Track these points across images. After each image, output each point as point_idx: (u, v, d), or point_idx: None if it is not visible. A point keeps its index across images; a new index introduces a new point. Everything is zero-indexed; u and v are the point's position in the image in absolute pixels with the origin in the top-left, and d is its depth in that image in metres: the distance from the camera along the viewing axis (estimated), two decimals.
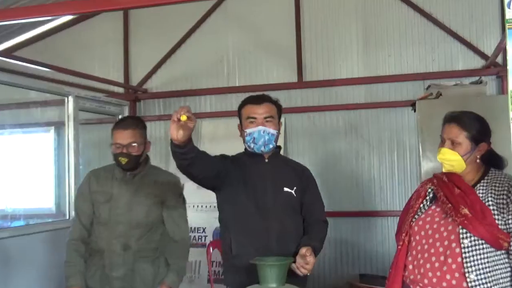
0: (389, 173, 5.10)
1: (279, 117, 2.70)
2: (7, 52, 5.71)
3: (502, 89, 4.73)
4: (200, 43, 5.72)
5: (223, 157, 2.69)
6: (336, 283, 4.92)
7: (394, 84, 5.06)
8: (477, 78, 4.33)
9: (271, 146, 2.63)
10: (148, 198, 2.95)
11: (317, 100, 5.30)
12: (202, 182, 2.61)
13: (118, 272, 2.90)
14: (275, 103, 2.69)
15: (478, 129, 2.31)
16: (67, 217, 4.14)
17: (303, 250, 2.38)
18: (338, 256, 5.14)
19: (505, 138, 1.89)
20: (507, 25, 1.90)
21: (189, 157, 2.30)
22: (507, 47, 1.91)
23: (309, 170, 2.86)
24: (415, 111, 4.06)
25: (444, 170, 2.34)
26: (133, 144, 2.85)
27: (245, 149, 2.71)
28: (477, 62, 4.95)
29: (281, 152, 2.86)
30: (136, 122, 2.97)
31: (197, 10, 5.64)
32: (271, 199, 2.60)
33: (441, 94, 3.95)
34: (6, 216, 5.85)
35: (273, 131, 2.60)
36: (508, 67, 1.89)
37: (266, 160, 2.67)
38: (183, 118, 2.11)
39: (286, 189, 2.64)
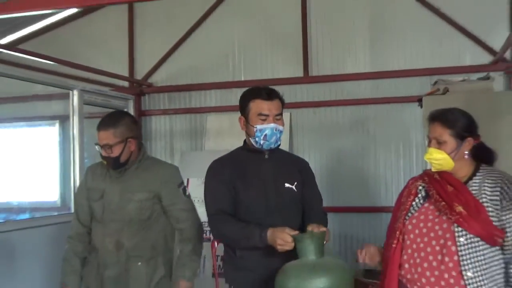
0: (394, 170, 5.08)
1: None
2: (12, 45, 5.71)
3: (510, 85, 4.72)
4: (206, 36, 5.70)
5: (224, 183, 2.58)
6: None
7: (401, 80, 5.04)
8: (484, 73, 4.28)
9: (279, 142, 2.60)
10: (141, 193, 2.84)
11: (323, 95, 5.30)
12: None
13: (111, 272, 2.83)
14: (282, 100, 2.63)
15: (462, 125, 2.28)
16: (72, 211, 4.16)
17: (313, 225, 2.36)
18: (343, 250, 5.15)
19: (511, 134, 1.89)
20: None
21: None
22: None
23: (308, 163, 2.83)
24: (421, 107, 4.05)
25: (433, 170, 2.32)
26: (110, 147, 2.77)
27: (245, 143, 2.67)
28: (485, 58, 4.92)
29: (287, 148, 2.82)
30: (114, 121, 2.81)
31: (203, 2, 5.63)
32: (273, 196, 2.56)
33: (448, 90, 3.93)
34: (12, 209, 5.89)
35: (282, 128, 2.57)
36: None
37: (266, 157, 2.61)
38: None
39: (287, 185, 2.60)
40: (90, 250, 2.94)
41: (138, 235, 2.85)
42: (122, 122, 2.83)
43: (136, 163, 2.90)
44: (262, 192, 2.55)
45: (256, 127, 2.52)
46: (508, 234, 2.18)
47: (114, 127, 2.78)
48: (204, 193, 2.62)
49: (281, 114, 2.58)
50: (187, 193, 2.96)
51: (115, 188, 2.86)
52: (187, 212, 2.90)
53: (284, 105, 2.64)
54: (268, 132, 2.51)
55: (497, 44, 4.83)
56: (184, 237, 2.90)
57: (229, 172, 2.57)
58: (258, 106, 2.53)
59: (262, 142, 2.53)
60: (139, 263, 2.83)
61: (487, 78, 4.12)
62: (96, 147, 2.84)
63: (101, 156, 2.85)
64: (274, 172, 2.60)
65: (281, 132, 2.57)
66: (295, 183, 2.62)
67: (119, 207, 2.83)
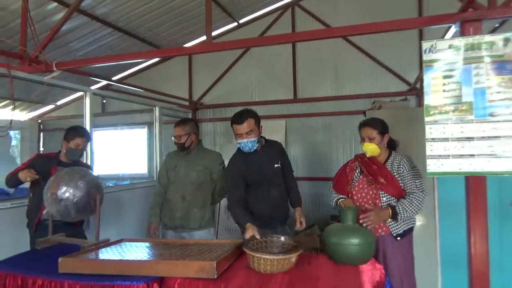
0: (347, 154, 5.00)
1: (259, 124, 2.43)
2: (120, 80, 5.76)
3: (420, 104, 4.61)
4: (235, 74, 5.66)
5: (238, 175, 2.43)
6: (314, 222, 4.88)
7: (353, 100, 4.95)
8: (403, 97, 4.23)
9: (254, 147, 2.42)
10: (198, 167, 2.84)
11: (305, 109, 5.22)
12: None
13: (179, 214, 2.84)
14: (254, 116, 2.40)
15: (382, 127, 2.30)
16: (154, 179, 4.17)
17: (297, 217, 2.40)
18: (315, 204, 5.09)
19: (422, 136, 1.87)
20: (424, 64, 1.90)
21: None
22: (424, 78, 1.90)
23: (281, 144, 2.67)
24: (365, 117, 3.98)
25: (368, 155, 2.32)
26: (180, 137, 2.80)
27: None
28: (404, 87, 4.82)
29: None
30: (184, 122, 2.85)
31: (233, 55, 5.59)
32: (269, 173, 2.49)
33: (381, 107, 3.86)
34: (119, 178, 5.96)
35: (253, 139, 2.38)
36: (424, 90, 1.88)
37: (258, 152, 2.47)
38: None
39: (275, 165, 2.52)
40: (166, 201, 2.94)
41: (196, 192, 2.85)
42: (188, 123, 2.87)
43: (196, 149, 2.91)
44: (261, 173, 2.49)
45: (237, 141, 2.42)
46: (407, 191, 2.20)
47: (184, 125, 2.83)
48: (225, 178, 2.50)
49: (252, 130, 2.37)
50: (224, 168, 2.97)
51: (183, 163, 2.88)
52: (221, 177, 2.92)
53: (258, 119, 2.43)
54: (243, 144, 2.39)
55: (412, 78, 4.75)
56: (217, 187, 2.93)
57: (239, 166, 2.49)
58: (236, 128, 2.38)
59: (241, 149, 2.44)
60: (196, 209, 2.84)
61: (405, 99, 4.05)
62: (173, 138, 2.86)
63: (175, 143, 2.86)
64: (266, 159, 2.51)
65: (252, 141, 2.38)
66: (279, 162, 2.55)
67: (185, 175, 2.85)
